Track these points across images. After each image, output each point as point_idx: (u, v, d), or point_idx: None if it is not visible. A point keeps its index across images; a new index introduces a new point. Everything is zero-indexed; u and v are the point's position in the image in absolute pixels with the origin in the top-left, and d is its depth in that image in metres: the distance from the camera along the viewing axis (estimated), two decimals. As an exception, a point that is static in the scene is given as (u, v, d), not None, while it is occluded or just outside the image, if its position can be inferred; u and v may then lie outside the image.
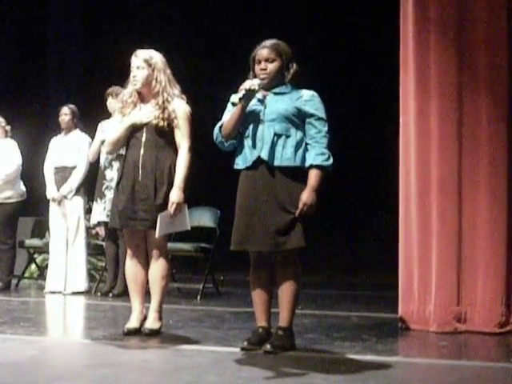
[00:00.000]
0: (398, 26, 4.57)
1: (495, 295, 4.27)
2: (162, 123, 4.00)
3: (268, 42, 3.66)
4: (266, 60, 3.63)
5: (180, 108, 4.04)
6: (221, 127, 3.66)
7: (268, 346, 3.52)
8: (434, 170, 4.39)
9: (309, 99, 3.61)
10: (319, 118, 3.59)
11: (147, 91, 4.06)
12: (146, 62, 4.03)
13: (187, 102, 4.09)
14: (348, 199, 8.58)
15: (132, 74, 4.05)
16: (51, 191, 6.40)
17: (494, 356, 3.82)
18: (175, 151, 4.03)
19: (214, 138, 3.70)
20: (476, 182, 4.35)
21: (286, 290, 3.59)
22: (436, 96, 4.40)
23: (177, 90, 4.09)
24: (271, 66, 3.63)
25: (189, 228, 4.07)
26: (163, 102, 4.01)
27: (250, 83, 3.56)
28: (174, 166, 4.00)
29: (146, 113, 4.03)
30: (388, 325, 4.58)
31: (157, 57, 4.07)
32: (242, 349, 3.57)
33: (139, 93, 4.07)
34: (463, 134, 4.37)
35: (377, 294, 6.63)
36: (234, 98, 3.63)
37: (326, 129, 3.59)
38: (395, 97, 4.60)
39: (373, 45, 7.92)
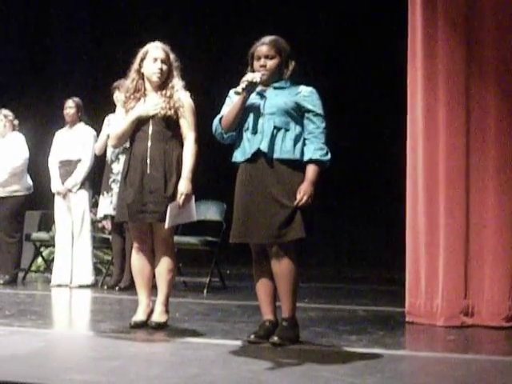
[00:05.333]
0: (406, 18, 4.55)
1: (502, 289, 4.26)
2: (169, 112, 4.00)
3: (267, 39, 3.66)
4: (266, 57, 3.63)
5: (185, 98, 4.06)
6: (221, 119, 3.67)
7: (275, 338, 3.52)
8: (441, 165, 4.38)
9: (307, 95, 3.63)
10: (317, 114, 3.61)
11: (157, 84, 4.06)
12: (167, 56, 4.07)
13: (190, 97, 4.10)
14: (355, 193, 8.56)
15: (157, 66, 4.03)
16: (56, 185, 6.41)
17: (501, 350, 3.80)
18: (181, 142, 4.04)
19: (213, 130, 3.71)
20: (484, 176, 4.33)
21: (284, 281, 3.58)
22: (444, 90, 4.38)
23: (181, 85, 4.10)
24: (271, 63, 3.63)
25: (195, 219, 4.07)
26: (170, 92, 4.01)
27: (252, 76, 3.58)
28: (181, 157, 4.00)
29: (152, 105, 4.03)
30: (395, 318, 4.57)
31: (172, 53, 4.11)
32: (249, 342, 3.57)
33: (144, 83, 4.07)
34: (471, 129, 4.35)
35: (384, 287, 6.62)
36: (236, 89, 3.62)
37: (324, 125, 3.62)
38: (403, 90, 4.58)
39: (380, 38, 7.89)
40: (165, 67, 4.06)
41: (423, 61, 4.43)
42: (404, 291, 4.52)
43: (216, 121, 3.70)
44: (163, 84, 4.06)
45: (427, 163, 4.41)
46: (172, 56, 4.10)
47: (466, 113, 4.35)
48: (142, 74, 4.08)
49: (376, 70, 8.09)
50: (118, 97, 5.90)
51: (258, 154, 3.58)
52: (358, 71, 8.39)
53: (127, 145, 4.20)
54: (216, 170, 8.04)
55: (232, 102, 3.67)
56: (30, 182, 6.65)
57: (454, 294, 4.31)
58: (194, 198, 4.01)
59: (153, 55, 4.05)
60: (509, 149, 4.30)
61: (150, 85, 4.08)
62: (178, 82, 4.08)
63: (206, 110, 4.23)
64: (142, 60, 4.07)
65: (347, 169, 7.49)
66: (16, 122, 6.66)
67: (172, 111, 4.01)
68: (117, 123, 4.17)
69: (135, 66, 4.08)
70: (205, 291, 5.98)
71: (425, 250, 4.41)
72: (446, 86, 4.37)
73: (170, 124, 4.03)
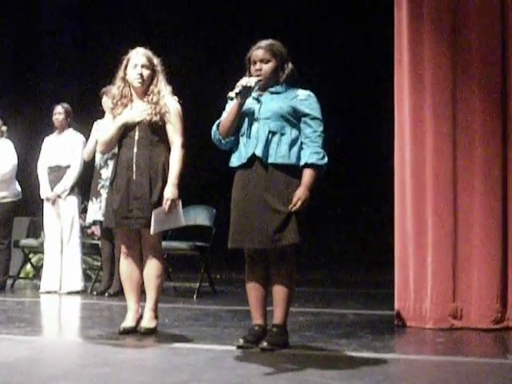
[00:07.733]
0: (393, 22, 4.57)
1: (491, 292, 4.28)
2: (155, 118, 4.00)
3: (263, 43, 3.67)
4: (261, 61, 3.63)
5: (172, 104, 4.05)
6: (219, 125, 3.67)
7: (265, 344, 3.52)
8: (428, 168, 4.40)
9: (305, 99, 3.62)
10: (314, 118, 3.59)
11: (142, 89, 4.06)
12: (149, 61, 4.05)
13: (179, 102, 4.10)
14: (343, 197, 8.58)
15: (137, 72, 4.03)
16: (45, 191, 6.40)
17: (489, 352, 3.82)
18: (168, 148, 4.03)
19: (212, 136, 3.70)
20: (471, 179, 4.35)
21: (280, 288, 3.59)
22: (430, 93, 4.40)
23: (168, 91, 4.10)
24: (266, 67, 3.63)
25: (183, 224, 4.07)
26: (156, 98, 4.01)
27: (247, 80, 3.57)
28: (168, 162, 4.00)
29: (138, 111, 4.03)
30: (384, 322, 4.58)
31: (156, 58, 4.10)
32: (238, 347, 3.56)
33: (130, 89, 4.07)
34: (458, 131, 4.38)
35: (373, 291, 6.64)
36: (230, 93, 3.62)
37: (321, 128, 3.60)
38: (390, 94, 4.60)
39: (366, 42, 7.93)
40: (146, 72, 4.05)
41: (409, 63, 4.45)
42: (393, 294, 4.53)
43: (214, 127, 3.68)
44: (148, 89, 4.06)
45: (415, 166, 4.43)
46: (156, 61, 4.09)
47: (453, 116, 4.37)
48: (127, 81, 4.08)
49: (363, 74, 8.13)
50: (107, 102, 5.90)
51: (253, 158, 3.56)
52: (347, 73, 8.42)
53: (116, 150, 4.19)
54: (206, 176, 8.06)
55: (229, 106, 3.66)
56: (18, 188, 6.62)
57: (442, 297, 4.33)
58: (180, 203, 4.00)
59: (133, 61, 4.05)
60: (495, 151, 4.32)
61: (135, 91, 4.08)
62: (164, 87, 4.07)
63: (202, 115, 4.23)
64: (126, 67, 4.07)
65: (337, 172, 7.52)
66: (4, 128, 6.63)
67: (158, 117, 4.01)
68: (105, 129, 4.17)
69: (120, 73, 4.09)
70: (195, 296, 5.98)
71: (413, 253, 4.42)
72: (433, 89, 4.39)
73: (156, 130, 4.02)
